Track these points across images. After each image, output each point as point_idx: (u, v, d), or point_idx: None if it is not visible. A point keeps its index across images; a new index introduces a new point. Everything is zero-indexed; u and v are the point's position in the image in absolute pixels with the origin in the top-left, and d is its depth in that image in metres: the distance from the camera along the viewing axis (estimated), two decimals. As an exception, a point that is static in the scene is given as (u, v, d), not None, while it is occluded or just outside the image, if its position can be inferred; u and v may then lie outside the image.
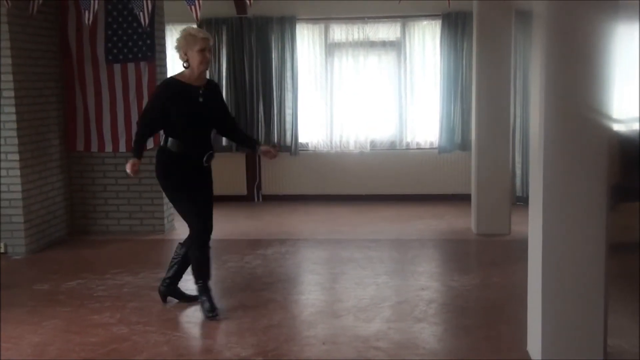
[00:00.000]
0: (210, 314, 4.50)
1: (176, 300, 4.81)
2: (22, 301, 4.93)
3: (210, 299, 4.56)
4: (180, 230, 7.08)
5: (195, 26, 4.92)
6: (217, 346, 4.11)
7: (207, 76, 4.72)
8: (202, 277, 4.59)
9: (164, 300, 4.81)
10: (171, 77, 4.59)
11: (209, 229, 4.58)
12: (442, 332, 4.28)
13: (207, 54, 4.42)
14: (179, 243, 4.78)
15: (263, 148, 4.81)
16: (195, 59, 4.39)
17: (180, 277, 4.80)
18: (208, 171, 4.63)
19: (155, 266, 5.78)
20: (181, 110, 4.42)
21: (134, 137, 4.68)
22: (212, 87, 4.68)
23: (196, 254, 4.57)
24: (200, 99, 4.47)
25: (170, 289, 4.80)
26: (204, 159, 4.51)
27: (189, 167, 4.50)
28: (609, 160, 3.38)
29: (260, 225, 7.21)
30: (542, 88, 3.42)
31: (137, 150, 4.51)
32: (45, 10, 6.43)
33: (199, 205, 4.54)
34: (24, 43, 6.22)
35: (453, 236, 6.80)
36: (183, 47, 4.42)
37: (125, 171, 6.86)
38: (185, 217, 4.59)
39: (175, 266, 4.75)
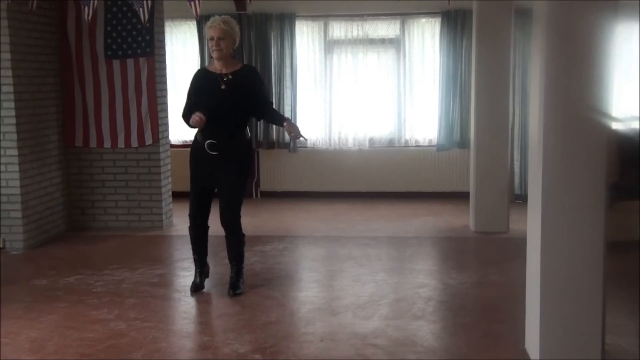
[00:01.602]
0: (192, 287, 4.89)
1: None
2: (20, 297, 4.92)
3: (199, 274, 4.92)
4: (179, 226, 7.09)
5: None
6: (215, 342, 4.11)
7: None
8: (194, 252, 4.94)
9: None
10: (203, 66, 4.77)
11: (195, 215, 4.78)
12: (440, 329, 4.29)
13: (218, 43, 4.52)
14: None
15: (286, 125, 4.64)
16: (210, 47, 4.65)
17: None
18: (224, 160, 4.60)
19: (154, 262, 5.78)
20: (201, 97, 4.59)
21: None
22: (245, 73, 4.69)
23: (190, 231, 4.90)
24: (223, 86, 4.56)
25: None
26: (206, 145, 4.57)
27: (201, 155, 4.65)
28: (608, 158, 3.39)
29: (258, 222, 7.20)
30: (542, 86, 3.42)
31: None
32: (45, 6, 6.42)
33: (198, 193, 4.76)
34: (23, 38, 6.20)
35: (451, 234, 6.80)
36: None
37: (124, 167, 6.99)
38: None
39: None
